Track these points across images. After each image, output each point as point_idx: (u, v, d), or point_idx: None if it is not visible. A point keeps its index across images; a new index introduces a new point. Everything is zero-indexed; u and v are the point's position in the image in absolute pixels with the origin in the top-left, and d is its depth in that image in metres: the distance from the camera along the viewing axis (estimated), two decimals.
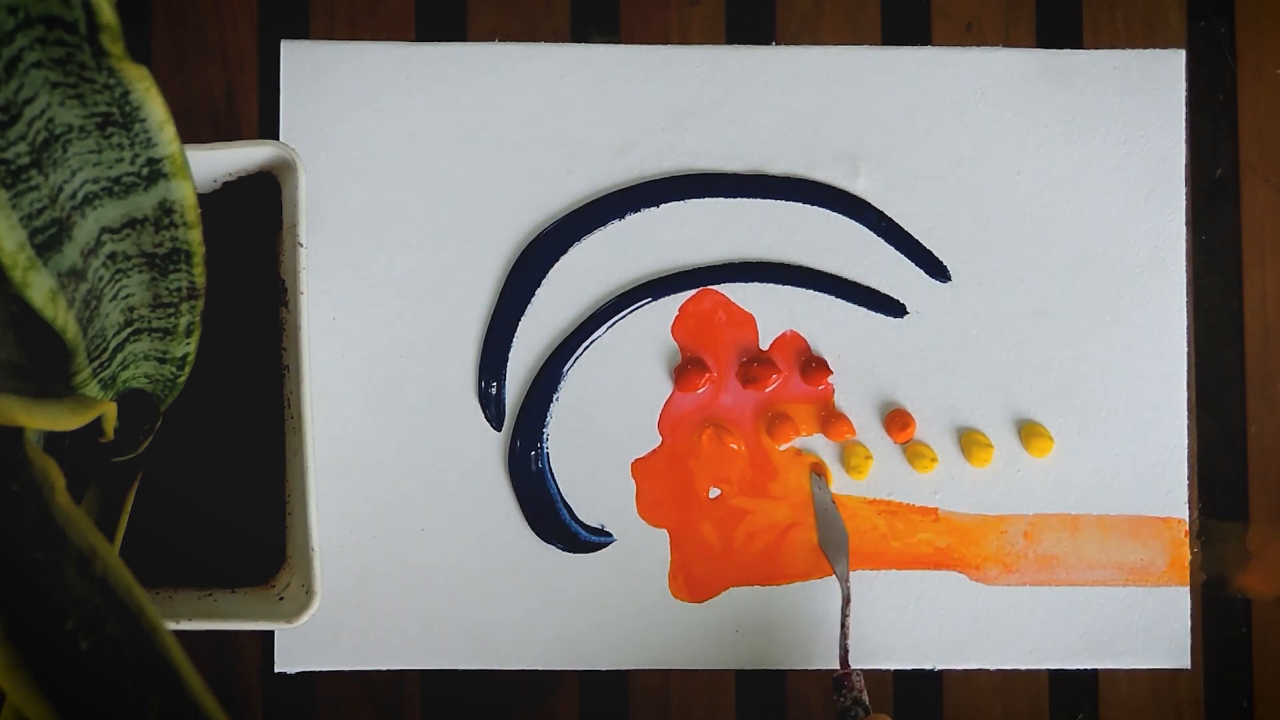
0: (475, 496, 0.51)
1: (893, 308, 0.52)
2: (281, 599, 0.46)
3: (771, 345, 0.52)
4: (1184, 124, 0.52)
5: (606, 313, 0.52)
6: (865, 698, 0.48)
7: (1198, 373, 0.52)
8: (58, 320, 0.32)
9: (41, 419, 0.32)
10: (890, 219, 0.52)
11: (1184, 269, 0.52)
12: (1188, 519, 0.52)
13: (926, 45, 0.53)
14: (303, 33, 0.52)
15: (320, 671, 0.51)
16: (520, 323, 0.52)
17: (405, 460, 0.51)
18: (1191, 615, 0.52)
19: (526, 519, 0.51)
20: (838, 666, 0.50)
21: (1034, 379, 0.52)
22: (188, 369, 0.42)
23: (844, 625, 0.49)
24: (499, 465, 0.51)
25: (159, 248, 0.37)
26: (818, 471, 0.51)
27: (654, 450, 0.52)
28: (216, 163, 0.46)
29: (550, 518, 0.51)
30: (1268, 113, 0.53)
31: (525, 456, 0.51)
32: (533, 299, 0.52)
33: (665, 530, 0.51)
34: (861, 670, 0.50)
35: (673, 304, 0.52)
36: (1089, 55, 0.52)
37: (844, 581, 0.50)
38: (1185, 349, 0.52)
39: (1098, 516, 0.52)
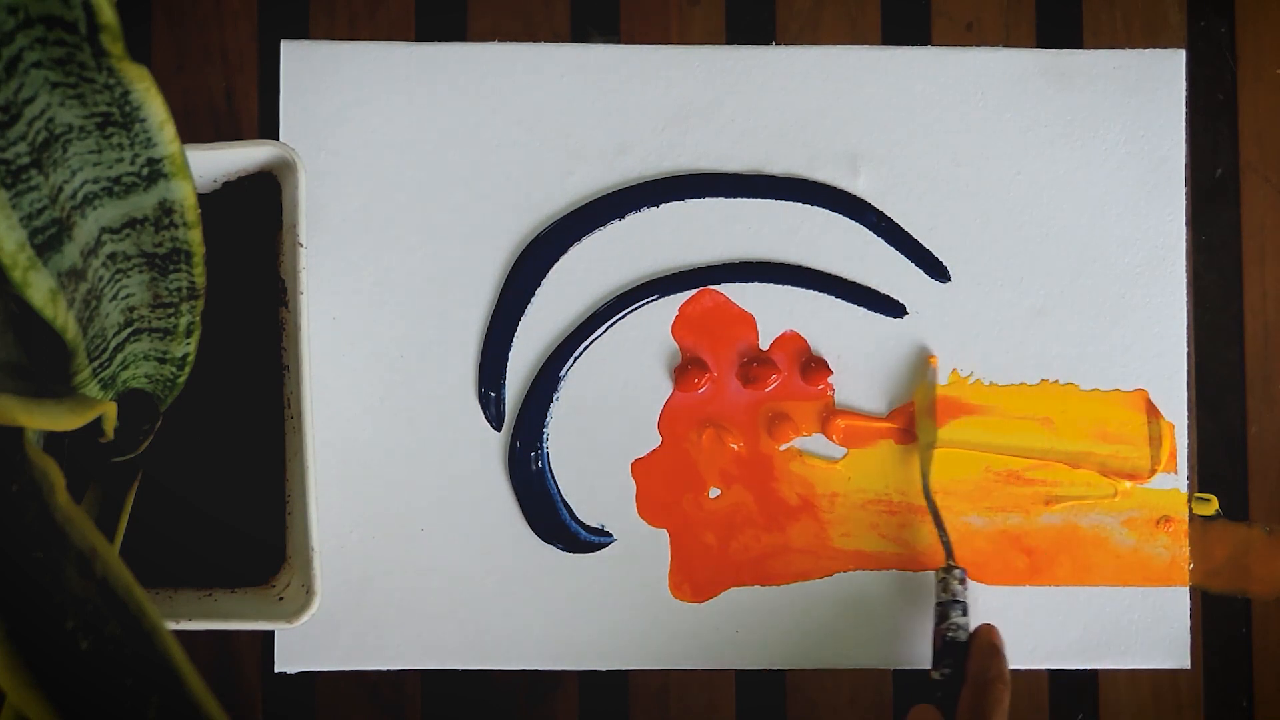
0: (475, 496, 0.51)
1: (893, 308, 0.52)
2: (281, 599, 0.46)
3: (771, 345, 0.52)
4: (1184, 124, 0.52)
5: (606, 313, 0.52)
6: (965, 597, 0.49)
7: (1198, 373, 0.52)
8: (58, 320, 0.32)
9: (41, 419, 0.32)
10: (890, 219, 0.52)
11: (1184, 269, 0.52)
12: (1187, 519, 0.52)
13: (926, 45, 0.53)
14: (303, 33, 0.52)
15: (320, 671, 0.51)
16: (520, 322, 0.52)
17: (405, 460, 0.51)
18: (1191, 615, 0.52)
19: (526, 519, 0.51)
20: (947, 562, 0.50)
21: (1034, 379, 0.52)
22: (188, 369, 0.42)
23: (939, 522, 0.50)
24: (499, 465, 0.51)
25: (159, 248, 0.37)
26: (932, 363, 0.51)
27: (654, 450, 0.52)
28: (216, 163, 0.46)
29: (550, 518, 0.51)
30: (1268, 113, 0.53)
31: (525, 457, 0.51)
32: (532, 299, 0.52)
33: (665, 530, 0.51)
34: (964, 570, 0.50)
35: (673, 304, 0.52)
36: (1089, 55, 0.52)
37: (926, 478, 0.50)
38: (1185, 349, 0.52)
39: (1098, 517, 0.52)
